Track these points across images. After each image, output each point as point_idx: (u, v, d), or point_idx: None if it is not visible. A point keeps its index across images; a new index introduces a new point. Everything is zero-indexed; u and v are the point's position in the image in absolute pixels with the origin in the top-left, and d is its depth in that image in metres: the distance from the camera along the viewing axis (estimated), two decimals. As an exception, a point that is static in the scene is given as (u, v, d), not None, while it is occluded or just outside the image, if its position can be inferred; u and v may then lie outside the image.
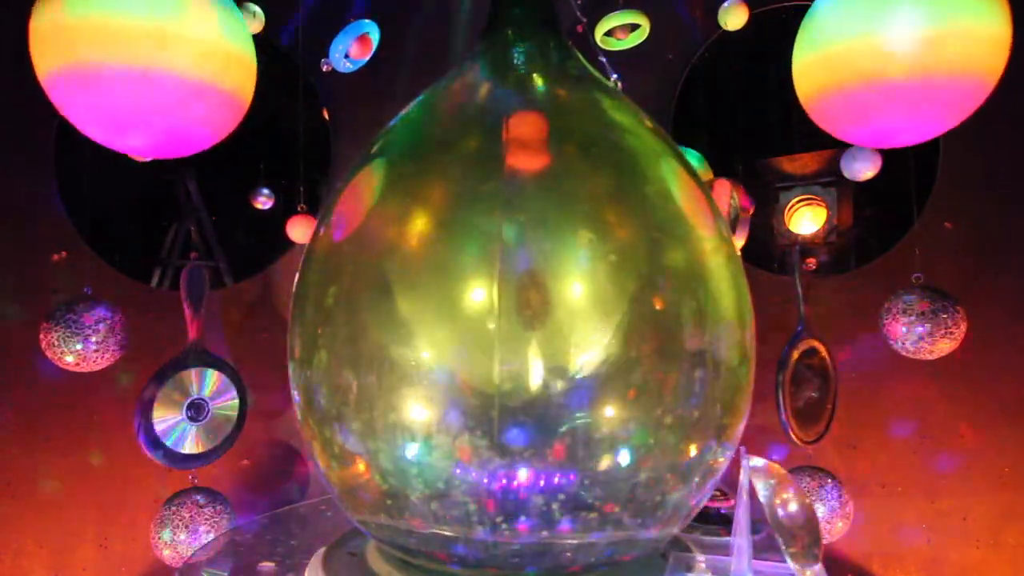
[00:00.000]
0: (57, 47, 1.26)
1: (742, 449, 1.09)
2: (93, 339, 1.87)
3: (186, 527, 1.97)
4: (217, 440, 2.09)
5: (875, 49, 1.32)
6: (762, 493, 1.03)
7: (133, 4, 1.23)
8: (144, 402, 2.00)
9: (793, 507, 1.01)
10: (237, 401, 2.13)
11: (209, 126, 1.41)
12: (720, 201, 1.55)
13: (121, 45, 1.23)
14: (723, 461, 1.21)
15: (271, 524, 1.72)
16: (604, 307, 1.07)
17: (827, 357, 2.03)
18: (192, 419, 2.06)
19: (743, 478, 1.05)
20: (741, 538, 1.00)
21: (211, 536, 1.94)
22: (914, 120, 1.41)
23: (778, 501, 1.01)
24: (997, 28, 1.32)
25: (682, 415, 1.12)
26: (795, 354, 2.00)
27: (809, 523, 1.00)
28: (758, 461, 1.06)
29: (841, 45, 1.37)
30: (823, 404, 2.03)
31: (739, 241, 1.55)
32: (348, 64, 1.91)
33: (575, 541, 1.12)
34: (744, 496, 1.05)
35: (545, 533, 1.10)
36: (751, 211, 1.62)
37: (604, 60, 1.58)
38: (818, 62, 1.43)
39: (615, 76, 1.53)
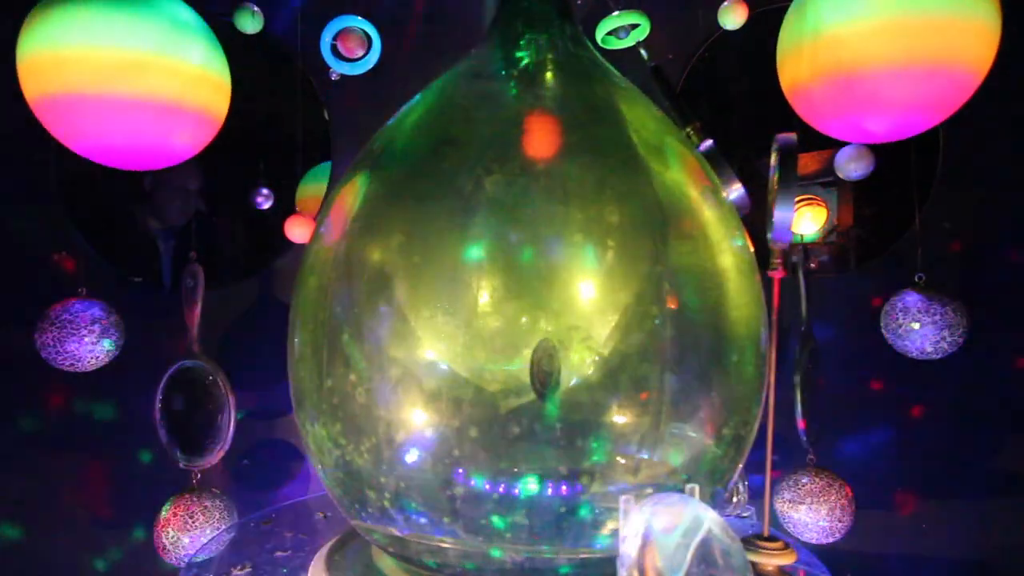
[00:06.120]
0: (43, 76, 1.33)
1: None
2: (87, 339, 1.86)
3: (187, 526, 1.97)
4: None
5: (856, 39, 1.29)
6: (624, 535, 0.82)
7: (112, 35, 1.32)
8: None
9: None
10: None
11: (187, 143, 1.52)
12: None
13: (101, 74, 1.32)
14: (734, 466, 1.20)
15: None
16: (611, 307, 1.06)
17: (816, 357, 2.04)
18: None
19: (621, 515, 0.88)
20: None
21: (212, 535, 1.94)
22: (896, 113, 1.38)
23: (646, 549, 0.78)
24: (981, 19, 1.28)
25: (695, 420, 1.11)
26: (805, 355, 2.01)
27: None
28: (659, 498, 0.84)
29: (823, 35, 1.34)
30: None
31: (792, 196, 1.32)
32: (350, 65, 1.90)
33: (575, 555, 1.10)
34: (624, 534, 0.87)
35: (545, 546, 1.08)
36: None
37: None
38: (800, 52, 1.41)
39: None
